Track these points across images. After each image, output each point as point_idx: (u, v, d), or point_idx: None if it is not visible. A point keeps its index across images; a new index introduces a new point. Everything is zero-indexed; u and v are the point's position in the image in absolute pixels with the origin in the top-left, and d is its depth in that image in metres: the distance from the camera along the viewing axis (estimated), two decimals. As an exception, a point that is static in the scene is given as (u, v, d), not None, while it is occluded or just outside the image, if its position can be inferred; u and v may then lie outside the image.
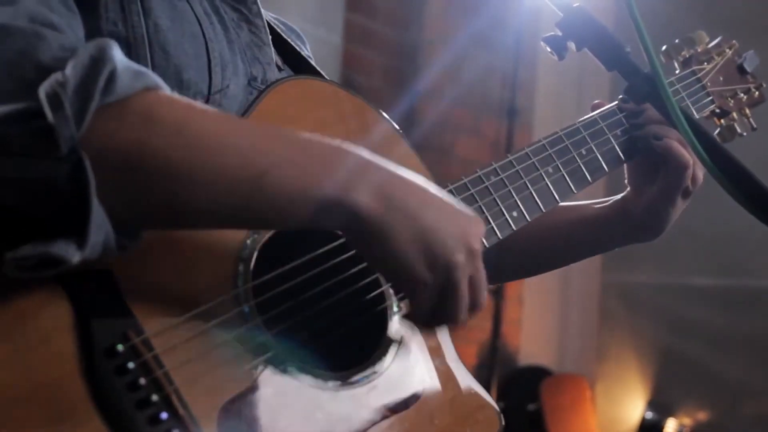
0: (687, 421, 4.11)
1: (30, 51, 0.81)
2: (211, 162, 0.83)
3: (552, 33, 1.12)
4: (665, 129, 1.29)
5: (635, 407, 4.27)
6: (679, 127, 0.95)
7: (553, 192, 1.20)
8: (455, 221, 0.93)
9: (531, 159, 1.20)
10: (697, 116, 1.42)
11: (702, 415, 4.10)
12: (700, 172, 1.31)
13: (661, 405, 4.21)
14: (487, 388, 3.98)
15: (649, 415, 4.22)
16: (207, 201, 0.84)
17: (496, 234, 1.13)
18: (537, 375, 4.16)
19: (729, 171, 0.93)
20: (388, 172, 0.90)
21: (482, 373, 3.94)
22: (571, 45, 1.11)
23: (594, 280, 4.47)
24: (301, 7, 3.53)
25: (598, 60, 1.08)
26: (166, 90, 0.85)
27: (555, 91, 4.38)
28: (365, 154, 0.90)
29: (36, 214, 0.79)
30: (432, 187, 0.93)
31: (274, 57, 1.17)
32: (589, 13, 1.09)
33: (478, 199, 1.12)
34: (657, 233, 1.37)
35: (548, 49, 1.14)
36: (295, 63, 1.25)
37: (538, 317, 4.47)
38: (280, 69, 1.21)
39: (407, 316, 1.01)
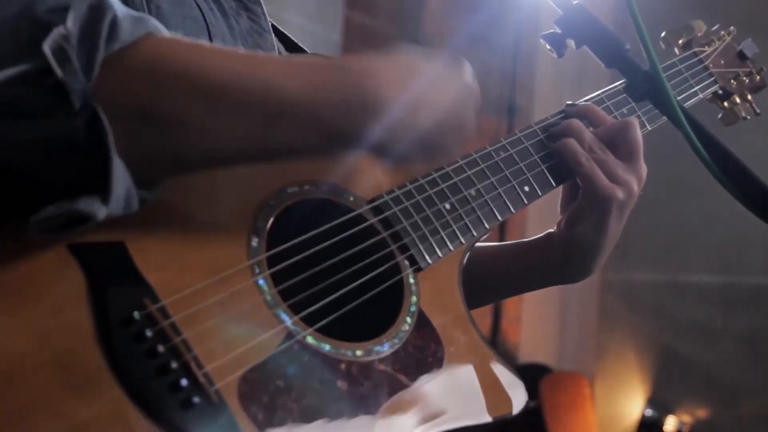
0: (687, 418, 4.11)
1: (26, 9, 0.79)
2: (220, 106, 0.83)
3: (551, 30, 1.12)
4: (565, 125, 1.19)
5: (635, 404, 4.27)
6: (679, 124, 0.95)
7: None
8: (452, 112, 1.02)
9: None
10: (701, 96, 1.41)
11: (701, 413, 4.11)
12: (627, 181, 1.15)
13: (660, 402, 4.21)
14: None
15: (649, 412, 4.23)
16: (220, 142, 0.85)
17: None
18: (536, 372, 4.16)
19: (728, 168, 0.93)
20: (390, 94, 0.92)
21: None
22: (571, 42, 1.11)
23: (593, 278, 4.45)
24: (301, 3, 3.53)
25: (597, 57, 1.08)
26: (166, 33, 0.85)
27: (554, 89, 4.38)
28: (368, 73, 0.92)
29: (55, 175, 0.78)
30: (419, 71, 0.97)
31: (276, 44, 1.17)
32: (589, 10, 1.09)
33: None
34: (581, 269, 1.23)
35: (547, 47, 1.14)
36: (293, 51, 1.25)
37: (538, 314, 4.47)
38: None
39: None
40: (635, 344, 4.32)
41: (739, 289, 4.06)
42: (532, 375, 4.13)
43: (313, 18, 3.55)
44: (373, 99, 0.89)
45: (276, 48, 1.16)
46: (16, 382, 0.75)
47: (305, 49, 1.27)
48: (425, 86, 0.95)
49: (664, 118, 1.31)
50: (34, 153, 0.77)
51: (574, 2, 1.09)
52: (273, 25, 1.22)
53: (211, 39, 1.03)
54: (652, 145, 1.31)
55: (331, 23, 3.70)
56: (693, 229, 3.85)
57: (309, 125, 0.87)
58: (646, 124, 1.30)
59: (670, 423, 4.11)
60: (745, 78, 1.47)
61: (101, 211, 0.77)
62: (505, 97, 4.21)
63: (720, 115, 1.47)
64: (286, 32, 1.27)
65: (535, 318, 4.46)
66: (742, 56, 1.48)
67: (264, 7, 1.16)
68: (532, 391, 4.04)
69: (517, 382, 1.10)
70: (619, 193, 1.14)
